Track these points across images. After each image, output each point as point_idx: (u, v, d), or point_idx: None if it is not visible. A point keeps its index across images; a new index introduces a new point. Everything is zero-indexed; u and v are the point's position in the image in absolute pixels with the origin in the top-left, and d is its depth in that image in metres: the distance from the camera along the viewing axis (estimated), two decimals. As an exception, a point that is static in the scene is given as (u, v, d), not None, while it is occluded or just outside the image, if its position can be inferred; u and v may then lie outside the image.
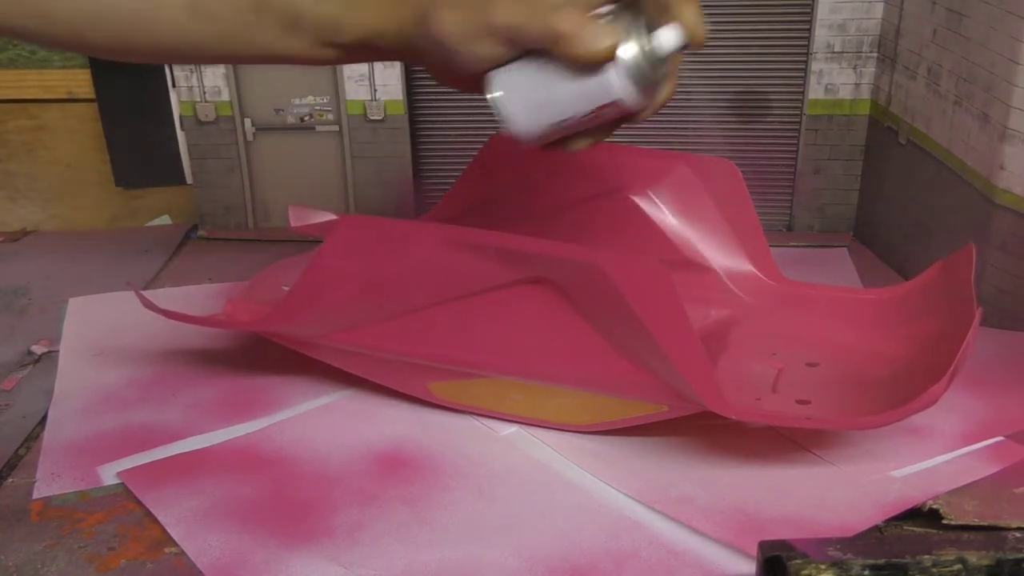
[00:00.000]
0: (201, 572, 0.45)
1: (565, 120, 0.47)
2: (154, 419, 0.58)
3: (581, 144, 0.49)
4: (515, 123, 0.47)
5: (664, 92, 0.48)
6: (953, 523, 0.47)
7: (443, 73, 0.50)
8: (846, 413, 0.54)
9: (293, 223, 0.72)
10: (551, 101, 0.46)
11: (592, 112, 0.46)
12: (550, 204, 0.70)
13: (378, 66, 0.83)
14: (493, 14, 0.45)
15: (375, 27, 0.49)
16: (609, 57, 0.44)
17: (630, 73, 0.45)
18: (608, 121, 0.48)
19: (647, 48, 0.45)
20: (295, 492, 0.51)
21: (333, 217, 0.69)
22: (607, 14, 0.45)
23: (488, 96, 0.47)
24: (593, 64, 0.44)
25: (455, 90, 0.52)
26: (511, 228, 0.66)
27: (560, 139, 0.49)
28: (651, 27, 0.45)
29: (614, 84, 0.45)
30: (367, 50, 0.51)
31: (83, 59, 0.86)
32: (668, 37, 0.44)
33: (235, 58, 0.53)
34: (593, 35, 0.44)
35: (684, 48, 0.45)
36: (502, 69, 0.47)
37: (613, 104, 0.46)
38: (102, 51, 0.52)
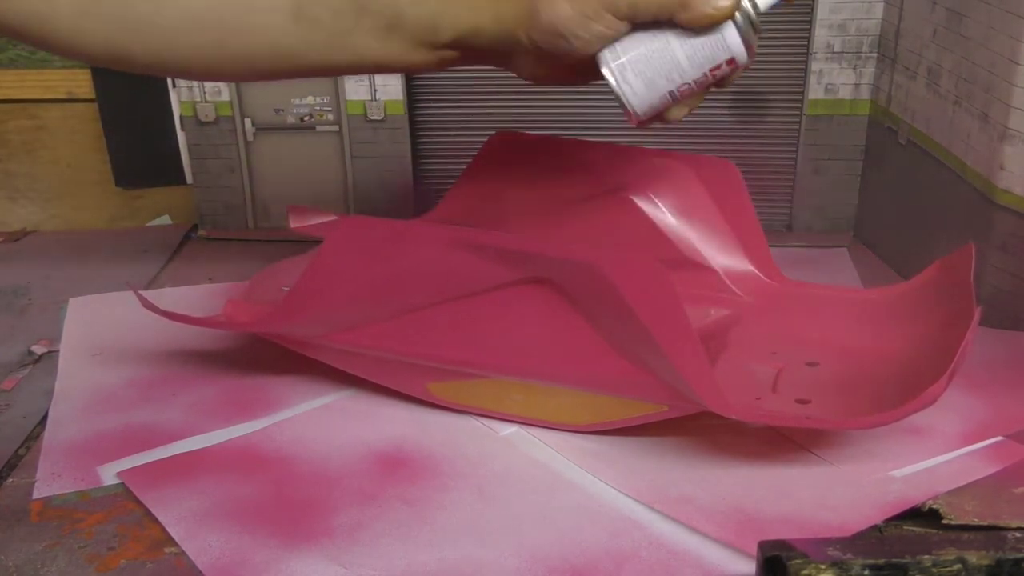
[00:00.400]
0: (201, 572, 0.45)
1: (682, 86, 0.49)
2: (154, 419, 0.58)
3: (681, 112, 0.51)
4: (634, 97, 0.49)
5: (754, 46, 0.49)
6: (953, 523, 0.47)
7: (540, 67, 0.51)
8: (846, 413, 0.54)
9: (293, 223, 0.72)
10: (669, 69, 0.48)
11: (706, 74, 0.48)
12: (550, 204, 0.70)
13: (378, 66, 0.83)
14: None
15: (473, 24, 0.49)
16: (732, 14, 0.46)
17: (742, 29, 0.47)
18: (714, 82, 0.50)
19: (752, 4, 0.47)
20: (295, 492, 0.51)
21: (333, 217, 0.69)
22: None
23: (605, 74, 0.48)
24: (715, 24, 0.46)
25: (549, 85, 0.53)
26: (511, 228, 0.67)
27: (662, 111, 0.50)
28: None
29: (732, 40, 0.47)
30: (462, 50, 0.51)
31: (83, 59, 0.86)
32: None
33: (329, 67, 0.53)
34: None
35: (779, 4, 0.47)
36: (615, 47, 0.48)
37: (727, 63, 0.48)
38: (186, 68, 0.51)
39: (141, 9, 0.48)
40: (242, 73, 0.53)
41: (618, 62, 0.48)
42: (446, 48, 0.51)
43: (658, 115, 0.51)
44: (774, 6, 0.48)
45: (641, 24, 0.48)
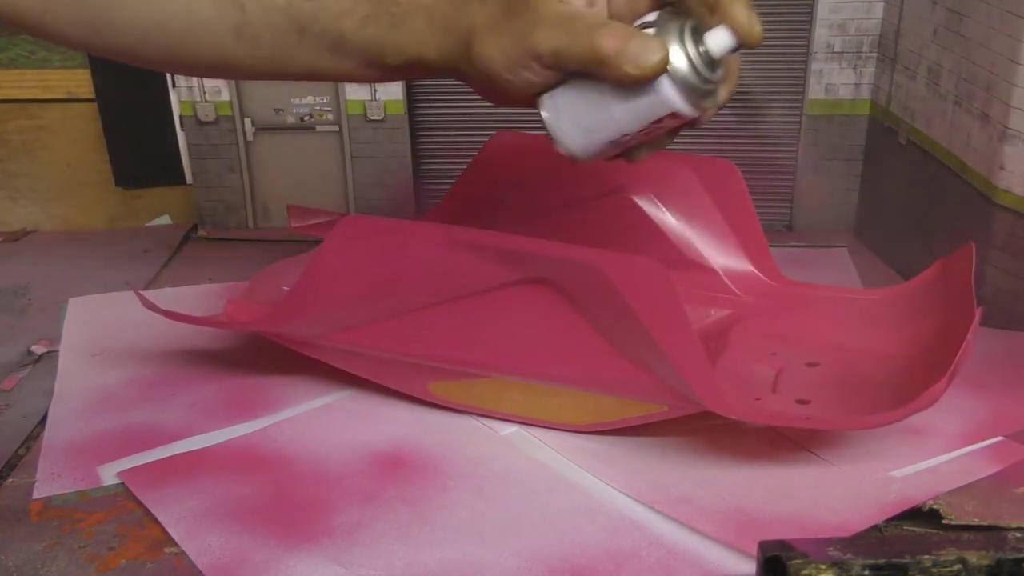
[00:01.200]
0: (201, 572, 0.45)
1: (623, 137, 0.45)
2: (154, 419, 0.58)
3: (644, 154, 0.48)
4: (570, 145, 0.46)
5: (723, 94, 0.46)
6: (953, 523, 0.47)
7: (492, 96, 0.49)
8: (846, 413, 0.54)
9: (293, 223, 0.72)
10: (605, 120, 0.45)
11: (649, 126, 0.45)
12: (550, 204, 0.70)
13: (378, 66, 0.83)
14: (535, 40, 0.43)
15: (418, 53, 0.48)
16: (660, 71, 0.42)
17: (684, 82, 0.43)
18: (669, 130, 0.46)
19: (699, 53, 0.42)
20: (295, 492, 0.51)
21: (333, 217, 0.69)
22: (653, 22, 0.43)
23: (543, 118, 0.46)
24: (642, 83, 0.42)
25: (493, 103, 0.50)
26: (511, 228, 0.67)
27: (621, 152, 0.48)
28: (702, 29, 0.43)
29: (668, 96, 0.43)
30: (415, 71, 0.50)
31: (83, 59, 0.86)
32: (719, 39, 0.42)
33: (284, 76, 0.52)
34: (640, 50, 0.41)
35: (737, 49, 0.43)
36: (553, 92, 0.46)
37: (670, 116, 0.44)
38: (150, 64, 0.52)
39: (94, 18, 0.48)
40: (203, 74, 0.53)
41: (553, 109, 0.46)
42: (396, 69, 0.50)
43: (616, 156, 0.48)
44: (729, 52, 0.42)
45: (575, 73, 0.44)
